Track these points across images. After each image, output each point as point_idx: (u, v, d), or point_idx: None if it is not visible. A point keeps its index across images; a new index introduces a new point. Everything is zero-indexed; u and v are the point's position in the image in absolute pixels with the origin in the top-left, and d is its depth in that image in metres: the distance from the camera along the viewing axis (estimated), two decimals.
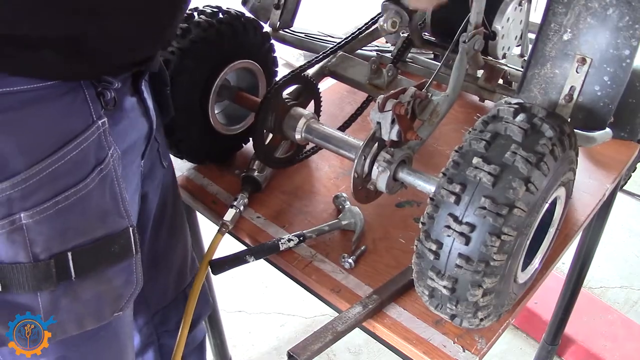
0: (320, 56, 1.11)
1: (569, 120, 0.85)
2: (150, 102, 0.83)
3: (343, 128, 1.20)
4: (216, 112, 1.07)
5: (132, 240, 0.75)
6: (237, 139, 1.15)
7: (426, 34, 1.20)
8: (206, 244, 1.31)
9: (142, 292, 1.04)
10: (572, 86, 0.83)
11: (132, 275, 0.76)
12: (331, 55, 1.13)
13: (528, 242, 0.74)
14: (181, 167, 1.14)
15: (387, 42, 1.36)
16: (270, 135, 1.03)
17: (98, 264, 0.72)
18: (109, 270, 0.73)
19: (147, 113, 0.81)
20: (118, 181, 0.71)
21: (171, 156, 1.13)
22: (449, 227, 0.68)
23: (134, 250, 0.75)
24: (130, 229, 0.74)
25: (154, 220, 0.97)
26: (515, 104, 0.73)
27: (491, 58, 1.11)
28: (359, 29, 1.17)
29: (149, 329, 1.13)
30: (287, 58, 2.91)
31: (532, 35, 1.06)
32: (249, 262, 0.96)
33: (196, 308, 1.16)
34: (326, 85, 1.31)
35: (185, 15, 1.00)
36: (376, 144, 0.85)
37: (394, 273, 0.93)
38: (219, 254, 0.99)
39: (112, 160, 0.70)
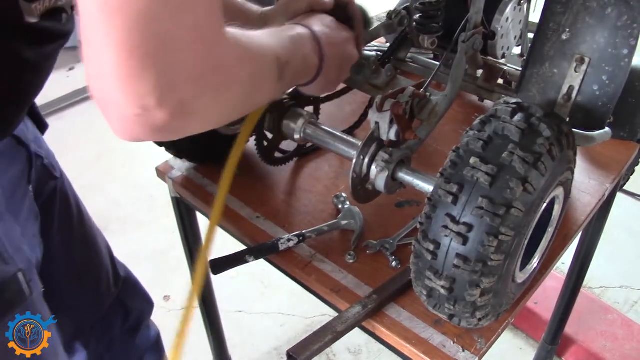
0: None
1: (567, 119, 0.85)
2: (22, 127, 0.84)
3: (352, 129, 1.20)
4: None
5: (24, 283, 0.75)
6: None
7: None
8: None
9: (70, 307, 1.06)
10: (570, 86, 0.84)
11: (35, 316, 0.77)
12: None
13: (526, 242, 0.75)
14: (181, 167, 1.14)
15: (386, 42, 1.36)
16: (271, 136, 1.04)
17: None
18: (6, 318, 0.74)
19: (20, 141, 0.83)
20: None
21: (171, 156, 1.14)
22: (446, 227, 0.68)
23: (27, 292, 0.75)
24: (20, 273, 0.74)
25: (61, 232, 0.98)
26: (513, 103, 0.73)
27: (490, 58, 1.11)
28: None
29: (94, 341, 1.13)
30: None
31: (531, 35, 1.06)
32: (248, 262, 0.96)
33: (137, 308, 1.18)
34: None
35: None
36: (375, 144, 0.86)
37: (393, 273, 0.93)
38: (219, 254, 0.99)
39: None
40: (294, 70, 0.74)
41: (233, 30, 0.59)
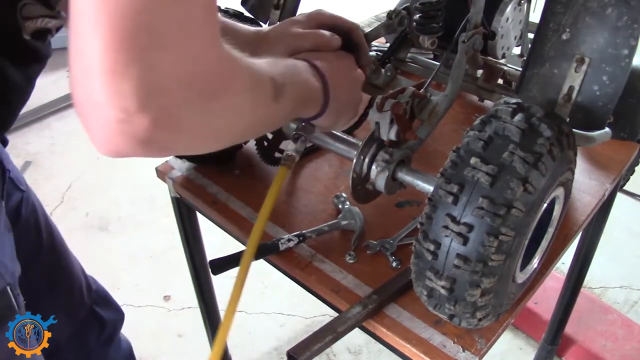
0: None
1: (567, 120, 0.85)
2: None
3: (351, 129, 1.20)
4: None
5: (12, 297, 0.75)
6: None
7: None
8: (206, 245, 1.32)
9: (46, 315, 1.06)
10: (570, 86, 0.83)
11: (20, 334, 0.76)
12: None
13: (526, 242, 0.75)
14: (181, 167, 1.14)
15: (386, 42, 1.36)
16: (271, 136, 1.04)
17: None
18: None
19: None
20: None
21: (171, 156, 1.14)
22: (447, 227, 0.68)
23: (15, 307, 0.75)
24: (8, 287, 0.74)
25: (30, 244, 0.99)
26: (513, 103, 0.73)
27: (490, 58, 1.11)
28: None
29: (71, 357, 1.13)
30: None
31: (531, 35, 1.06)
32: None
33: (111, 319, 1.18)
34: None
35: None
36: (375, 144, 0.86)
37: (393, 273, 0.93)
38: (218, 254, 0.99)
39: None
40: (294, 94, 0.70)
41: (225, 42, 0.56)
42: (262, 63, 0.65)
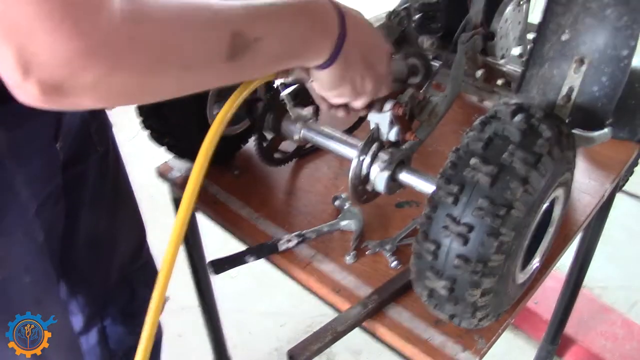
0: None
1: (567, 120, 0.85)
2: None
3: (351, 130, 1.20)
4: (215, 112, 1.07)
5: None
6: (237, 140, 1.15)
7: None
8: (206, 244, 1.32)
9: (82, 272, 1.06)
10: (570, 86, 0.84)
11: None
12: None
13: (526, 242, 0.75)
14: (181, 167, 1.14)
15: None
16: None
17: None
18: None
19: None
20: None
21: (171, 156, 1.14)
22: (447, 227, 0.68)
23: None
24: None
25: (91, 200, 0.99)
26: (513, 104, 0.73)
27: (490, 58, 1.11)
28: None
29: (92, 310, 1.14)
30: None
31: (531, 36, 1.06)
32: (248, 262, 0.96)
33: (142, 298, 1.18)
34: None
35: None
36: (375, 145, 0.86)
37: (393, 273, 0.93)
38: (219, 254, 0.99)
39: None
40: (280, 48, 0.61)
41: None
42: (231, 10, 0.56)
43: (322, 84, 0.72)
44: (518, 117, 0.70)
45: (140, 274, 1.18)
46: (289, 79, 0.68)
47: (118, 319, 1.18)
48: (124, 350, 1.21)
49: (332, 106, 0.80)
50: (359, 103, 0.78)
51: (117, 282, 1.13)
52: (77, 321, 1.13)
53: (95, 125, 0.96)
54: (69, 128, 0.87)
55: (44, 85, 0.46)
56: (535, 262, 0.86)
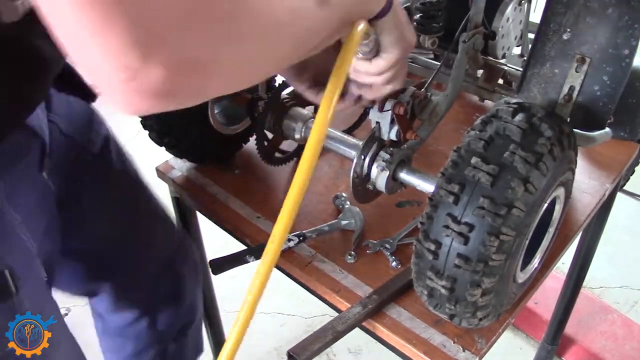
0: None
1: (568, 120, 0.85)
2: (42, 118, 0.81)
3: (351, 129, 1.20)
4: (216, 112, 1.07)
5: (10, 281, 0.73)
6: (237, 139, 1.15)
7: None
8: (206, 244, 1.32)
9: (119, 271, 1.10)
10: (571, 86, 0.83)
11: (14, 314, 0.75)
12: None
13: (527, 242, 0.75)
14: (181, 167, 1.14)
15: None
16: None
17: None
18: None
19: (35, 133, 0.78)
20: None
21: (171, 156, 1.13)
22: (447, 227, 0.68)
23: (13, 291, 0.73)
24: (6, 271, 0.71)
25: (100, 208, 1.00)
26: (514, 103, 0.73)
27: (491, 58, 1.11)
28: None
29: (140, 304, 1.17)
30: None
31: (532, 35, 1.06)
32: (249, 262, 0.96)
33: (186, 275, 1.19)
34: None
35: None
36: (375, 144, 0.86)
37: (393, 273, 0.93)
38: (219, 254, 0.99)
39: None
40: None
41: None
42: None
43: (389, 33, 0.67)
44: (519, 117, 0.70)
45: (178, 256, 1.18)
46: (368, 43, 0.66)
47: (165, 304, 1.19)
48: (172, 334, 1.23)
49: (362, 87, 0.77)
50: (403, 72, 0.74)
51: (158, 270, 1.14)
52: (127, 316, 1.16)
53: (80, 134, 0.94)
54: (51, 152, 0.85)
55: (172, 60, 0.39)
56: (536, 262, 0.86)
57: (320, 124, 0.60)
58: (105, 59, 0.38)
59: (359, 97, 0.78)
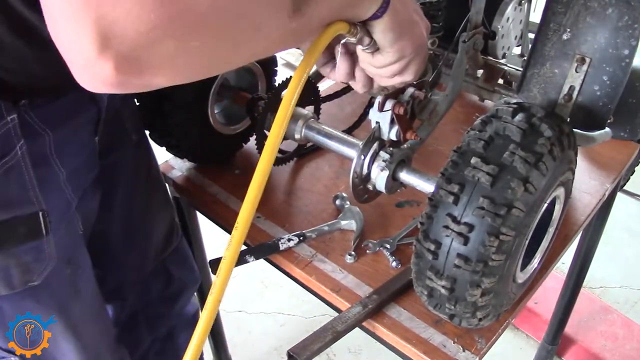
0: None
1: (568, 120, 0.85)
2: None
3: (351, 129, 1.20)
4: (216, 112, 1.07)
5: (42, 223, 0.75)
6: (237, 139, 1.15)
7: None
8: (206, 244, 1.32)
9: (118, 260, 1.08)
10: (571, 86, 0.84)
11: (43, 253, 0.77)
12: None
13: (527, 242, 0.74)
14: (181, 167, 1.14)
15: None
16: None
17: (3, 242, 0.73)
18: (15, 248, 0.74)
19: (93, 98, 0.83)
20: (28, 171, 0.71)
21: (171, 156, 1.14)
22: (447, 227, 0.68)
23: (44, 232, 0.75)
24: (40, 213, 0.74)
25: (126, 188, 1.00)
26: (514, 103, 0.73)
27: (491, 58, 1.11)
28: None
29: (131, 298, 1.15)
30: (287, 58, 2.91)
31: (532, 35, 1.06)
32: (249, 262, 0.96)
33: (179, 279, 1.18)
34: (326, 85, 1.31)
35: None
36: (375, 144, 0.86)
37: (393, 273, 0.93)
38: (219, 254, 0.99)
39: (20, 152, 0.70)
40: None
41: None
42: None
43: (384, 35, 0.66)
44: (519, 117, 0.70)
45: (174, 258, 1.18)
46: (355, 38, 0.65)
47: (157, 303, 1.19)
48: (163, 332, 1.23)
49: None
50: (414, 67, 0.73)
51: (153, 268, 1.14)
52: (117, 309, 1.16)
53: (127, 114, 0.97)
54: (105, 119, 0.88)
55: (120, 60, 0.44)
56: (536, 262, 0.86)
57: (284, 107, 0.63)
58: (72, 45, 0.45)
59: (371, 81, 0.77)
